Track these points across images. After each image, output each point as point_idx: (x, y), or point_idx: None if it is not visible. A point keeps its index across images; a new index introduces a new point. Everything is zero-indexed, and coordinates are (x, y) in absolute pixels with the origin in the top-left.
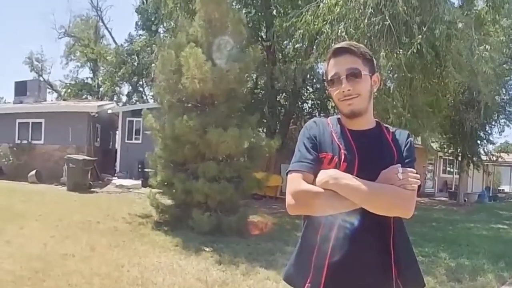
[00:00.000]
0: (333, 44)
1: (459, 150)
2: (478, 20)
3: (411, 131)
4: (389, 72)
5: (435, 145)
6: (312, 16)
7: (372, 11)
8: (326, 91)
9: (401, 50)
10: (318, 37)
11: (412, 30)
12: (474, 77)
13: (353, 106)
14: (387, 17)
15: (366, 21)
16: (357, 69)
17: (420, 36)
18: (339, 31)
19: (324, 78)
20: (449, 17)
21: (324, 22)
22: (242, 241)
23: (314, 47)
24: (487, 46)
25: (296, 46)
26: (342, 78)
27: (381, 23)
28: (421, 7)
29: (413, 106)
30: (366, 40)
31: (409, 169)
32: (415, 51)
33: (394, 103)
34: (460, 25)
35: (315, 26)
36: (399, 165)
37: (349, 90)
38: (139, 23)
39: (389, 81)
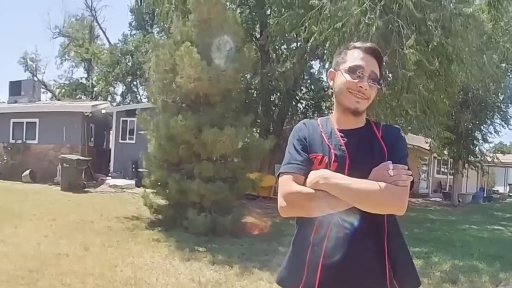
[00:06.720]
0: (340, 46)
1: (454, 150)
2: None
3: (420, 129)
4: (400, 70)
5: (434, 144)
6: (315, 24)
7: (379, 12)
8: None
9: (410, 50)
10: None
11: (424, 27)
12: (482, 75)
13: (360, 105)
14: (395, 17)
15: (379, 22)
16: (378, 76)
17: (436, 32)
18: (345, 35)
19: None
20: (466, 10)
21: (329, 29)
22: (236, 242)
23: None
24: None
25: (292, 46)
26: (365, 75)
27: (390, 24)
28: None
29: (422, 103)
30: (377, 41)
31: (400, 165)
32: (435, 44)
33: (403, 102)
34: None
35: (321, 36)
36: (390, 161)
37: (366, 89)
38: (133, 23)
39: (394, 79)
